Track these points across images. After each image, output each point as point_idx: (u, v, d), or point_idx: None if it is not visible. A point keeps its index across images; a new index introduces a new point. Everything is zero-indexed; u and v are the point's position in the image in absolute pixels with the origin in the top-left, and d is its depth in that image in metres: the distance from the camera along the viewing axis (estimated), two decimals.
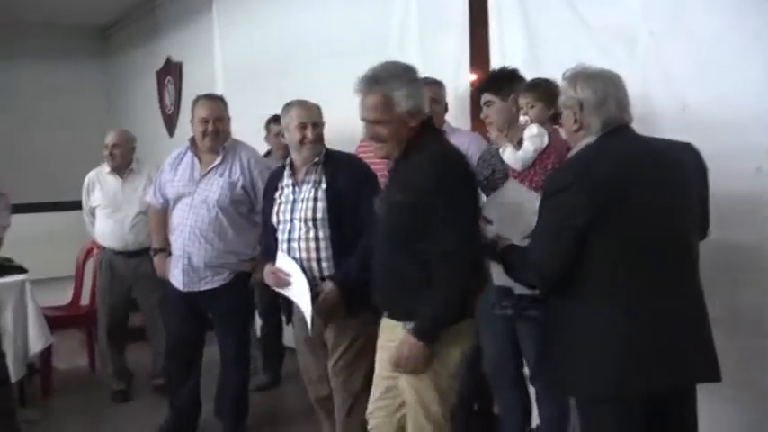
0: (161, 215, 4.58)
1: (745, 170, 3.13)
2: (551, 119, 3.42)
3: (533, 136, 3.35)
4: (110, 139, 5.36)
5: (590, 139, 2.65)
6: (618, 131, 2.63)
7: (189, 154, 4.38)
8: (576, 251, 2.52)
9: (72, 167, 6.85)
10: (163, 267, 4.49)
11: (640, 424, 2.58)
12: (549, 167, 3.32)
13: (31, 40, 9.52)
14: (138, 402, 5.31)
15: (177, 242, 4.33)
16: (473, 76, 4.61)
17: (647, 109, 3.44)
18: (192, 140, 4.40)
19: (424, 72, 4.56)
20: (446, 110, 4.26)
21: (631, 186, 2.53)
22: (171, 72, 8.54)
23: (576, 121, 2.66)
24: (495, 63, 4.21)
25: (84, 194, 5.47)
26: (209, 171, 4.29)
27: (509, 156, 3.40)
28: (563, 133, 2.98)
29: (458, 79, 4.50)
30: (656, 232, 2.54)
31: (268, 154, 5.32)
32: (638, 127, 3.40)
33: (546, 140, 3.34)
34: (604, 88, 2.64)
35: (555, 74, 3.86)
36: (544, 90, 3.41)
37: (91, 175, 5.47)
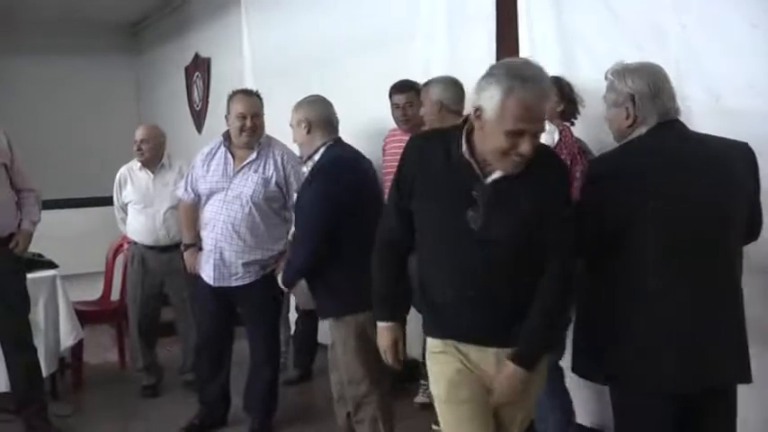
0: (192, 210, 4.60)
1: None
2: (560, 115, 3.39)
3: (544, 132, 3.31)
4: (138, 134, 5.38)
5: (641, 131, 2.61)
6: (668, 125, 2.60)
7: (222, 149, 4.38)
8: (604, 240, 2.56)
9: (102, 163, 6.90)
10: (193, 262, 4.50)
11: (674, 419, 2.60)
12: None
13: (62, 37, 9.59)
14: (168, 397, 5.33)
15: (209, 237, 4.33)
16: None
17: (681, 101, 3.39)
18: (226, 135, 4.40)
19: (452, 68, 4.59)
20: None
21: (668, 181, 2.51)
22: (199, 68, 8.57)
23: (628, 116, 2.62)
24: (524, 56, 4.18)
25: (116, 190, 5.49)
26: (243, 166, 4.29)
27: None
28: (574, 131, 3.00)
29: None
30: (691, 228, 2.52)
31: None
32: None
33: (556, 137, 3.31)
34: (656, 80, 2.60)
35: (585, 67, 3.86)
36: (557, 86, 3.39)
37: (122, 170, 5.50)
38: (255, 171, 4.29)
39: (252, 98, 4.39)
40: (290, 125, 3.92)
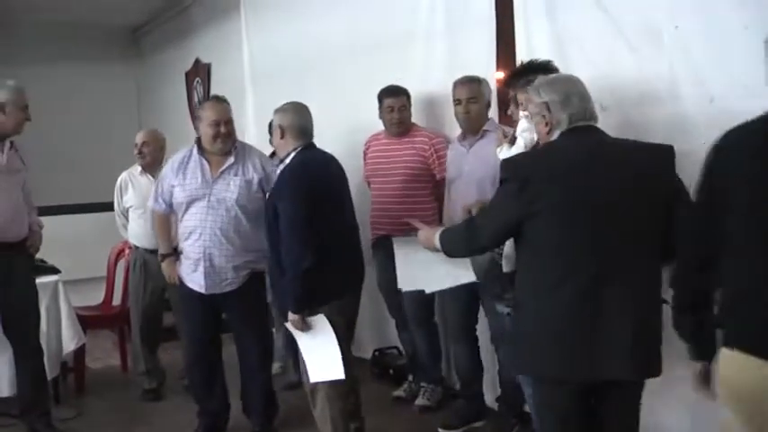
0: (166, 220, 4.58)
1: None
2: None
3: (523, 131, 3.35)
4: (139, 137, 5.42)
5: (554, 136, 2.85)
6: (578, 130, 2.82)
7: (195, 156, 4.37)
8: (507, 235, 2.87)
9: (103, 169, 6.91)
10: (172, 272, 4.49)
11: (577, 404, 2.81)
12: None
13: (62, 42, 9.61)
14: (170, 401, 5.35)
15: (195, 245, 4.30)
16: (500, 74, 4.61)
17: (676, 103, 3.44)
18: (198, 143, 4.40)
19: (451, 70, 4.63)
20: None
21: (565, 181, 2.73)
22: (200, 73, 8.59)
23: (546, 123, 2.88)
24: (522, 59, 4.20)
25: (117, 195, 5.52)
26: (223, 171, 4.30)
27: (505, 155, 3.35)
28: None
29: (485, 77, 4.48)
30: (587, 227, 2.71)
31: None
32: (668, 121, 3.43)
33: (534, 137, 3.32)
34: (566, 88, 2.87)
35: (581, 69, 3.87)
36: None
37: (123, 175, 5.53)
38: (236, 175, 4.30)
39: (223, 105, 4.42)
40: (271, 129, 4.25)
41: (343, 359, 3.81)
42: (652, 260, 2.77)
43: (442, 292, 4.21)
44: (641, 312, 2.73)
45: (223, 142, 4.31)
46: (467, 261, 3.34)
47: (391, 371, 5.46)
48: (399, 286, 3.61)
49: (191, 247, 4.33)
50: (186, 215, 4.34)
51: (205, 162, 4.35)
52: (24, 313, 4.53)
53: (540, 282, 2.79)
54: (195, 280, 4.33)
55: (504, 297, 3.36)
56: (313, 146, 4.04)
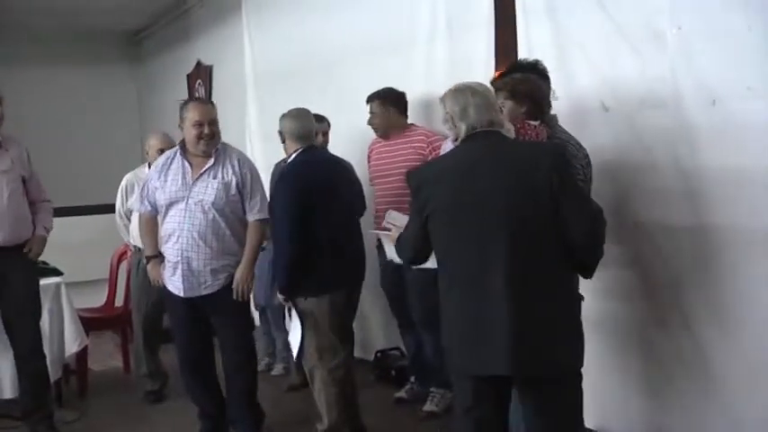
0: (151, 222, 4.50)
1: None
2: (526, 115, 3.42)
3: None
4: (157, 142, 5.35)
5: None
6: (475, 136, 2.95)
7: (178, 158, 4.33)
8: (422, 240, 3.02)
9: (105, 171, 6.94)
10: (157, 274, 4.42)
11: (481, 398, 2.95)
12: None
13: (63, 46, 9.65)
14: (172, 403, 5.34)
15: (174, 248, 4.26)
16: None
17: (678, 105, 3.43)
18: (182, 144, 4.36)
19: (452, 72, 4.63)
20: None
21: (449, 183, 2.91)
22: (201, 75, 8.59)
23: (454, 132, 3.03)
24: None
25: (121, 196, 5.51)
26: (202, 174, 4.25)
27: None
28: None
29: (485, 80, 4.47)
30: (475, 229, 2.84)
31: None
32: (670, 123, 3.43)
33: (512, 137, 3.33)
34: (464, 99, 2.99)
35: (582, 70, 3.89)
36: (510, 88, 3.46)
37: (129, 177, 5.52)
38: (215, 177, 4.25)
39: (207, 106, 4.39)
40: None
41: (329, 349, 4.19)
42: (545, 258, 2.83)
43: None
44: (528, 310, 2.78)
45: (206, 144, 4.26)
46: None
47: (393, 372, 5.45)
48: (388, 257, 3.80)
49: (170, 251, 4.29)
50: (166, 218, 4.31)
51: (187, 164, 4.30)
52: (22, 315, 4.53)
53: (442, 281, 2.98)
54: (174, 283, 4.30)
55: None
56: (314, 147, 4.33)
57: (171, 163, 4.34)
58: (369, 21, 5.54)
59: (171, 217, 4.28)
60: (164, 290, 4.43)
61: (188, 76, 8.90)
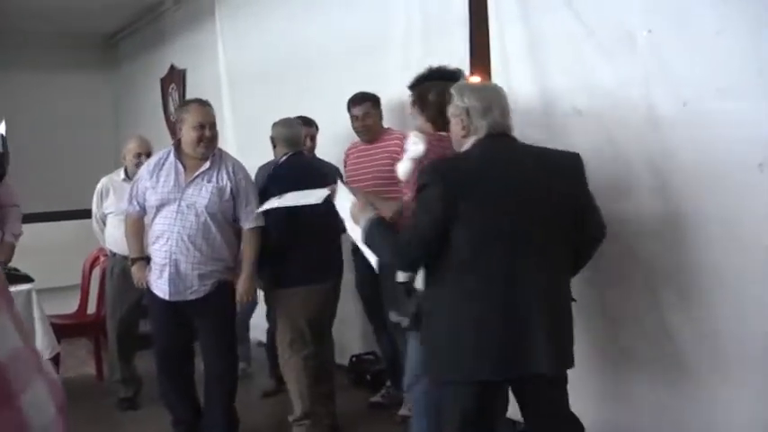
0: (139, 223, 4.44)
1: (747, 165, 3.11)
2: (431, 124, 3.42)
3: (409, 145, 3.40)
4: (135, 147, 5.32)
5: (472, 141, 2.93)
6: (496, 138, 2.92)
7: (171, 159, 4.27)
8: (437, 241, 2.83)
9: (79, 177, 6.87)
10: (142, 276, 4.37)
11: (476, 403, 2.92)
12: None
13: (38, 49, 9.56)
14: (147, 410, 5.28)
15: (162, 250, 4.20)
16: (475, 78, 4.61)
17: (649, 106, 3.44)
18: (177, 146, 4.31)
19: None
20: None
21: (483, 183, 2.83)
22: (175, 79, 8.57)
23: (463, 127, 2.96)
24: (496, 63, 4.22)
25: (97, 200, 5.46)
26: (196, 177, 4.21)
27: (402, 166, 3.43)
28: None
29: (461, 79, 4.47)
30: (504, 226, 2.82)
31: None
32: (641, 124, 3.44)
33: (421, 148, 3.33)
34: (489, 96, 2.96)
35: (555, 73, 3.89)
36: (417, 96, 3.52)
37: (104, 181, 5.47)
38: (209, 181, 4.21)
39: (208, 108, 4.31)
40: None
41: (299, 339, 4.41)
42: (566, 260, 2.95)
43: None
44: (556, 310, 2.89)
45: (206, 147, 4.21)
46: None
47: (368, 376, 5.43)
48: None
49: (157, 252, 4.24)
50: (156, 219, 4.25)
51: (180, 166, 4.24)
52: None
53: (455, 285, 2.87)
54: (160, 286, 4.24)
55: (402, 307, 3.39)
56: (299, 153, 4.57)
57: (163, 163, 4.28)
58: (343, 23, 5.53)
59: (161, 218, 4.21)
60: (148, 293, 4.37)
61: (162, 79, 8.87)
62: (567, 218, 2.90)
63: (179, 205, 4.17)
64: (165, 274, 4.19)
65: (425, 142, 3.32)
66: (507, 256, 2.81)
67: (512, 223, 2.82)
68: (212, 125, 4.24)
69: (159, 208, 4.22)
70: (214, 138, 4.26)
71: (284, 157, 4.51)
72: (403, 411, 4.81)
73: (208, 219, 4.17)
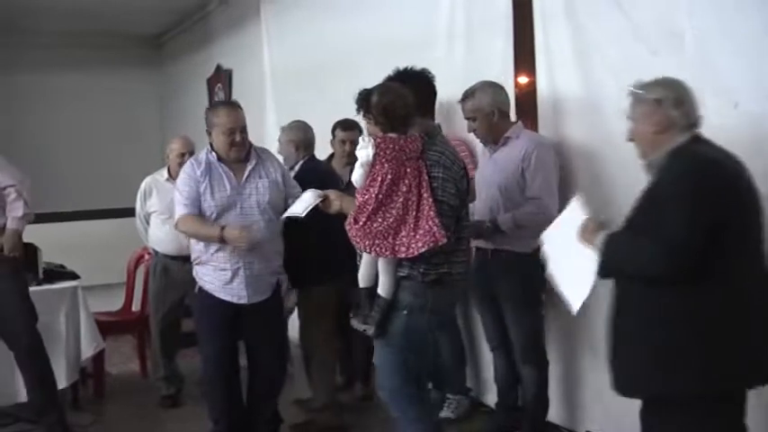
0: (199, 218, 4.11)
1: None
2: (379, 126, 3.36)
3: (360, 148, 3.34)
4: (180, 146, 5.34)
5: (680, 140, 2.68)
6: (707, 140, 2.71)
7: (216, 164, 4.13)
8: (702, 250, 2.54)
9: (124, 175, 6.94)
10: (239, 234, 3.96)
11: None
12: (381, 179, 3.25)
13: (84, 50, 9.70)
14: (188, 408, 5.31)
15: (231, 256, 4.05)
16: (523, 78, 4.58)
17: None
18: (212, 149, 4.16)
19: (470, 72, 4.58)
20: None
21: (740, 194, 2.63)
22: (221, 79, 8.61)
23: (667, 119, 2.69)
24: (541, 63, 4.17)
25: (141, 200, 5.49)
26: (248, 176, 4.13)
27: (355, 173, 3.38)
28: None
29: (504, 80, 4.42)
30: (756, 239, 2.68)
31: (331, 158, 5.26)
32: None
33: (370, 152, 3.27)
34: (679, 89, 2.72)
35: (600, 72, 3.84)
36: (361, 102, 3.52)
37: (148, 180, 5.49)
38: (261, 177, 4.14)
39: (239, 111, 4.17)
40: (279, 141, 4.97)
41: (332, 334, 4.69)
42: None
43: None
44: None
45: (238, 151, 4.11)
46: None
47: None
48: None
49: (224, 258, 4.08)
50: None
51: (228, 169, 4.13)
52: (8, 315, 4.43)
53: (710, 295, 2.60)
54: (232, 291, 4.11)
55: (367, 314, 3.36)
56: (313, 157, 4.88)
57: (211, 169, 4.12)
58: (388, 21, 5.51)
59: (225, 223, 4.05)
60: (204, 298, 4.21)
61: (208, 80, 8.92)
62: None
63: (241, 207, 4.08)
64: (239, 278, 4.08)
65: (373, 146, 3.27)
66: (759, 259, 2.71)
67: (756, 234, 2.71)
68: (243, 129, 4.12)
69: (218, 215, 4.09)
70: (245, 141, 4.13)
71: (303, 162, 4.76)
72: (444, 413, 4.71)
73: (271, 213, 4.11)
